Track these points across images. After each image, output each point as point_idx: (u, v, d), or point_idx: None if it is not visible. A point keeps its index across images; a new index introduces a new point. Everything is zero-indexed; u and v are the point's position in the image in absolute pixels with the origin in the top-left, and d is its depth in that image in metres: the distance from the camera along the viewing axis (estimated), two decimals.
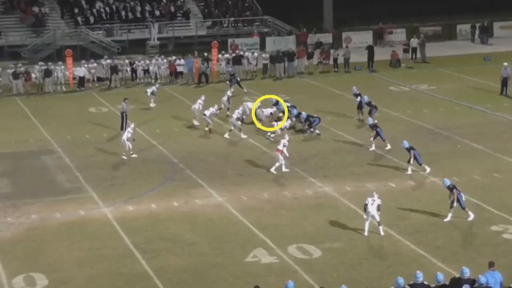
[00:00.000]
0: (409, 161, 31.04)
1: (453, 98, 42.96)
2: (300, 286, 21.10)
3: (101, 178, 31.49)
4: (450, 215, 26.33)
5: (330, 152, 34.23)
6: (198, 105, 38.40)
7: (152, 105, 42.47)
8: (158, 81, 47.28)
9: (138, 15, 59.74)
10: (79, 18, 58.05)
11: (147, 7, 60.44)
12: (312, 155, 33.87)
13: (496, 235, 25.28)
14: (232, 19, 61.05)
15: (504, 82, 43.54)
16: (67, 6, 59.55)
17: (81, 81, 47.66)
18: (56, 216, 27.71)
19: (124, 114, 37.45)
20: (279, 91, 45.47)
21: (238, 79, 45.76)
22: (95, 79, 48.56)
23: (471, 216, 26.31)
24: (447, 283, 19.64)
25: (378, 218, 25.27)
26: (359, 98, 39.10)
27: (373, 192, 25.84)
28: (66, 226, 26.82)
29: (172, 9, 60.76)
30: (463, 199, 26.35)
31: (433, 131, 37.00)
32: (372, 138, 33.99)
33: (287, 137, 32.32)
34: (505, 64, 43.97)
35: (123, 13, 59.66)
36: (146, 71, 49.03)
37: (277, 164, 31.38)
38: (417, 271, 19.78)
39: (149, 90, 42.73)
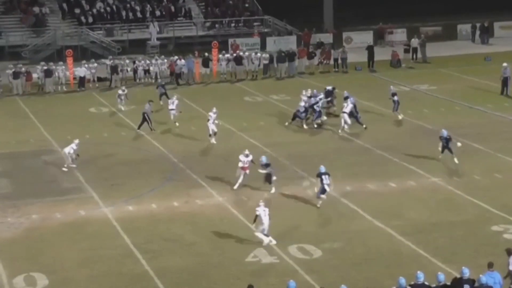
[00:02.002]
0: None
1: (453, 98, 42.96)
2: (301, 286, 21.06)
3: (102, 178, 31.48)
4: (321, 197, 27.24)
5: (330, 152, 34.21)
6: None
7: (121, 107, 41.83)
8: (159, 81, 47.02)
9: (139, 15, 59.77)
10: (82, 18, 58.05)
11: (148, 7, 60.46)
12: (313, 155, 33.84)
13: (496, 235, 25.27)
14: (232, 19, 61.09)
15: (505, 82, 43.54)
16: (67, 6, 59.54)
17: (82, 81, 47.67)
18: (56, 216, 27.71)
19: (145, 114, 37.47)
20: (281, 91, 45.57)
21: (164, 90, 42.89)
22: (96, 79, 48.58)
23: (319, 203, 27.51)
24: (448, 283, 19.63)
25: (267, 230, 24.60)
26: (396, 98, 38.80)
27: (260, 201, 25.27)
28: (66, 226, 26.82)
29: (173, 9, 60.79)
30: (327, 187, 27.31)
31: (434, 131, 36.96)
32: (440, 148, 31.91)
33: (246, 151, 30.00)
34: (505, 64, 43.96)
35: (123, 13, 59.68)
36: (147, 71, 49.01)
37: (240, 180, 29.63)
38: (418, 271, 19.77)
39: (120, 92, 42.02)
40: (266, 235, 24.67)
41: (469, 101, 42.01)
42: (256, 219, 24.68)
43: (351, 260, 23.72)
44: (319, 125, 37.88)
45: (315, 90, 39.56)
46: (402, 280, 19.25)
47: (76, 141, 32.89)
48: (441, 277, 19.65)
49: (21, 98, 45.49)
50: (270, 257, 23.99)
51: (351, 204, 28.04)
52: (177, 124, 38.26)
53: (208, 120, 35.48)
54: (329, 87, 40.84)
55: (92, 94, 46.25)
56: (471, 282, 19.52)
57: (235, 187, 29.49)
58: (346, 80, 47.68)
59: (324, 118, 38.31)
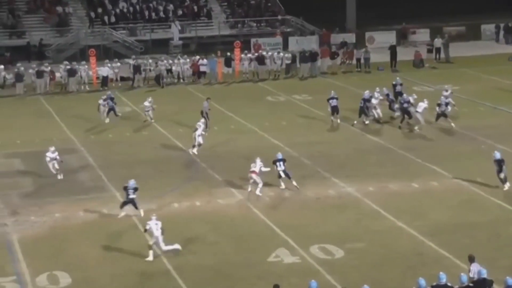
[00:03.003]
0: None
1: (477, 99, 42.74)
2: (322, 286, 21.01)
3: (124, 177, 31.43)
4: None
5: (353, 152, 34.14)
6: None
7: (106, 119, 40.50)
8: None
9: (161, 14, 59.98)
10: (105, 18, 58.31)
11: (170, 7, 60.63)
12: (334, 155, 33.80)
13: None
14: (255, 18, 61.14)
15: None
16: (91, 6, 59.85)
17: (105, 80, 47.88)
18: (79, 214, 27.83)
19: (205, 113, 37.44)
20: (303, 91, 45.55)
21: (113, 104, 40.09)
22: (119, 78, 48.75)
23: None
24: (471, 284, 19.54)
25: (164, 246, 23.88)
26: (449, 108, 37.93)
27: (152, 214, 24.60)
28: (89, 225, 26.93)
29: (195, 8, 60.93)
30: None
31: (457, 131, 36.81)
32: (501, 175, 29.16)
33: (258, 159, 29.36)
34: None
35: (146, 12, 59.90)
36: (169, 71, 49.11)
37: (260, 186, 28.91)
38: (440, 272, 19.68)
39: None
40: (170, 245, 24.02)
41: (493, 102, 41.78)
42: (146, 231, 24.21)
43: (373, 261, 23.65)
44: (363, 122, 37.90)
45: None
46: (422, 281, 19.15)
47: (52, 148, 31.69)
48: (464, 278, 19.55)
49: (44, 97, 45.74)
50: (292, 257, 23.96)
51: (373, 205, 27.96)
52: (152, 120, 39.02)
53: (195, 130, 33.93)
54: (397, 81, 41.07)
55: (115, 94, 46.34)
56: (489, 282, 19.45)
57: (256, 191, 29.01)
58: (369, 80, 47.53)
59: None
